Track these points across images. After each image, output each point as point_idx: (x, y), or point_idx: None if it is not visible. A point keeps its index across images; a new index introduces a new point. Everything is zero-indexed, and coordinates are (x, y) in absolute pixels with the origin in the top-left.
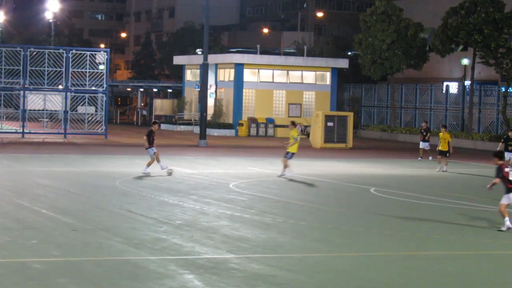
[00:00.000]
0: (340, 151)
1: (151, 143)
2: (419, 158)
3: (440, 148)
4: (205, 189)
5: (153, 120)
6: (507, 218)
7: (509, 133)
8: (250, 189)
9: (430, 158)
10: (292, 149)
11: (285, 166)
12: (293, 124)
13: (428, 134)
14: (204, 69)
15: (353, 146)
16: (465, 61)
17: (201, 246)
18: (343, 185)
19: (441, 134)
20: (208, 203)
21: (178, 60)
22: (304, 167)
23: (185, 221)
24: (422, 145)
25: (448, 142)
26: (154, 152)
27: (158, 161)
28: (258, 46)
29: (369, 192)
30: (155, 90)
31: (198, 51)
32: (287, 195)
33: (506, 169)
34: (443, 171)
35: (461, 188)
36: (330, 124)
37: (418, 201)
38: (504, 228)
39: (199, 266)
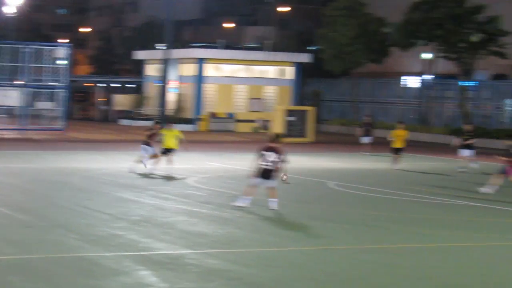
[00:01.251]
0: (301, 146)
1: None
2: (366, 153)
3: (394, 145)
4: (163, 184)
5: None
6: None
7: (465, 127)
8: (208, 184)
9: (367, 153)
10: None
11: None
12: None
13: (372, 129)
14: (165, 63)
15: (314, 140)
16: (426, 56)
17: (158, 242)
18: (302, 180)
19: (397, 131)
20: (166, 199)
21: (138, 55)
22: None
23: (142, 217)
24: (365, 139)
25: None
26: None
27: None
28: (220, 41)
29: (329, 186)
30: (115, 85)
31: (158, 46)
32: None
33: None
34: (396, 169)
35: (419, 181)
36: (290, 118)
37: (376, 194)
38: None
39: (155, 262)
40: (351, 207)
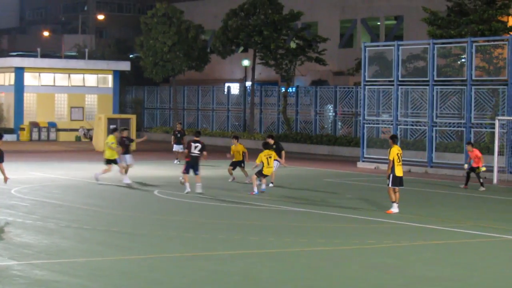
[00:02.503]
0: None
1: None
2: (176, 162)
3: (236, 159)
4: None
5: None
6: None
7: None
8: (32, 194)
9: (176, 161)
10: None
11: None
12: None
13: (184, 136)
14: None
15: (136, 148)
16: (246, 62)
17: None
18: (127, 188)
19: (233, 146)
20: None
21: None
22: (87, 171)
23: None
24: (176, 148)
25: (243, 152)
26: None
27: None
28: (38, 49)
29: (153, 194)
30: None
31: None
32: (70, 199)
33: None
34: (245, 182)
35: (242, 187)
36: (113, 127)
37: (201, 202)
38: None
39: None
40: (177, 215)
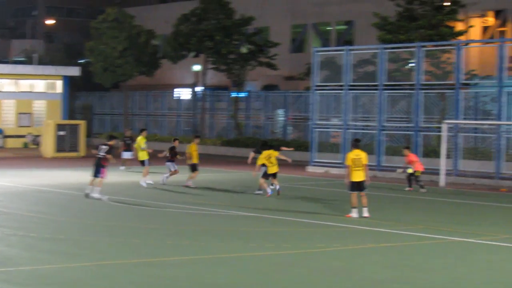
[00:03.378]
0: (73, 160)
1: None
2: (121, 168)
3: (192, 162)
4: None
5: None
6: None
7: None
8: None
9: (122, 167)
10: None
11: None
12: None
13: (133, 143)
14: None
15: (86, 154)
16: (197, 67)
17: None
18: (75, 195)
19: (192, 146)
20: None
21: None
22: (35, 178)
23: None
24: (125, 155)
25: (190, 153)
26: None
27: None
28: None
29: (101, 201)
30: None
31: None
32: (16, 206)
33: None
34: (192, 187)
35: (192, 192)
36: (61, 133)
37: (150, 207)
38: None
39: None
40: (125, 221)
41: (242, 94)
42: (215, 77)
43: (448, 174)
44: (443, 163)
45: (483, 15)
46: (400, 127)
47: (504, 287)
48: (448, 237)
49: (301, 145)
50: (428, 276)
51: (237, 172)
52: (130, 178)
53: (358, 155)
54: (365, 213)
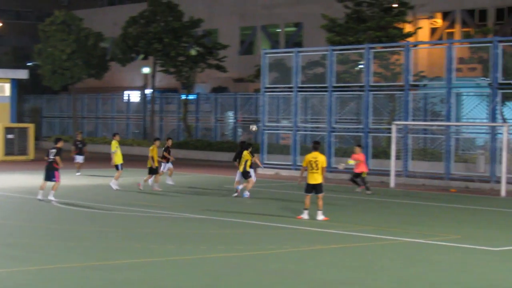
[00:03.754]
0: (21, 164)
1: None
2: (77, 173)
3: (150, 165)
4: None
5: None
6: None
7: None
8: None
9: (78, 173)
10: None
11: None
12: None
13: (85, 147)
14: None
15: (35, 157)
16: (146, 70)
17: None
18: (24, 198)
19: (152, 148)
20: None
21: None
22: None
23: None
24: (77, 159)
25: (152, 157)
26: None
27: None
28: None
29: (51, 204)
30: None
31: None
32: None
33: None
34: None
35: (142, 196)
36: (10, 136)
37: (99, 210)
38: None
39: None
40: (76, 225)
41: (191, 97)
42: (164, 80)
43: (398, 175)
44: (393, 164)
45: (431, 17)
46: (349, 128)
47: (453, 287)
48: (398, 238)
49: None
50: (378, 277)
51: (187, 175)
52: (81, 182)
53: (316, 157)
54: (319, 217)
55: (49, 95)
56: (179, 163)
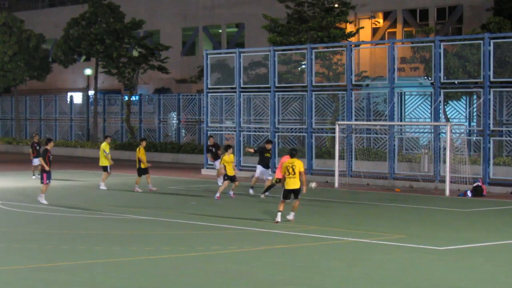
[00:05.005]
0: None
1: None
2: (33, 177)
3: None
4: None
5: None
6: None
7: (266, 145)
8: None
9: (34, 177)
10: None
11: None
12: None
13: (40, 148)
14: None
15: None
16: (88, 71)
17: None
18: None
19: (103, 144)
20: None
21: None
22: None
23: None
24: (35, 162)
25: (139, 158)
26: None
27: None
28: None
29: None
30: None
31: None
32: None
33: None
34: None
35: (91, 196)
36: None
37: (45, 212)
38: None
39: None
40: (21, 227)
41: (134, 98)
42: (107, 81)
43: (342, 175)
44: (336, 165)
45: (372, 17)
46: (293, 128)
47: (398, 286)
48: (343, 238)
49: (195, 148)
50: (323, 277)
51: (132, 176)
52: (26, 184)
53: (292, 162)
54: (291, 216)
55: None
56: (123, 165)
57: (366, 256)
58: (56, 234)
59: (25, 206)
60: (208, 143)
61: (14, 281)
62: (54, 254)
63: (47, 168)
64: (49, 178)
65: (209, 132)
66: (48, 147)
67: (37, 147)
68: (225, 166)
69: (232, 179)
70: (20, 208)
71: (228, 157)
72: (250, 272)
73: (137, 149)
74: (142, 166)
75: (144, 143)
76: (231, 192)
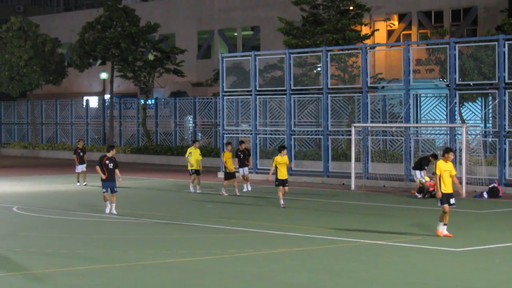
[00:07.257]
0: None
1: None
2: (78, 183)
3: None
4: None
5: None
6: None
7: (430, 158)
8: None
9: (78, 183)
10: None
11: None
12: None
13: (83, 154)
14: None
15: None
16: (104, 75)
17: None
18: None
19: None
20: None
21: None
22: None
23: None
24: (77, 168)
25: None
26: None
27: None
28: None
29: (12, 211)
30: None
31: None
32: None
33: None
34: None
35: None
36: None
37: (61, 216)
38: None
39: None
40: (36, 231)
41: (150, 101)
42: (122, 85)
43: (358, 177)
44: (353, 167)
45: (387, 19)
46: (309, 131)
47: (414, 287)
48: (360, 240)
49: (211, 151)
50: (341, 279)
51: (148, 179)
52: (42, 188)
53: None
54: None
55: (7, 101)
56: (139, 169)
57: (382, 258)
58: (71, 238)
59: (40, 210)
60: (239, 148)
61: (30, 286)
62: (70, 259)
63: (102, 176)
64: (105, 187)
65: (240, 138)
66: (109, 154)
67: (81, 153)
68: (276, 168)
69: (283, 183)
70: (34, 212)
71: (282, 158)
72: (268, 275)
73: (222, 153)
74: (227, 170)
75: (229, 147)
76: (281, 201)
